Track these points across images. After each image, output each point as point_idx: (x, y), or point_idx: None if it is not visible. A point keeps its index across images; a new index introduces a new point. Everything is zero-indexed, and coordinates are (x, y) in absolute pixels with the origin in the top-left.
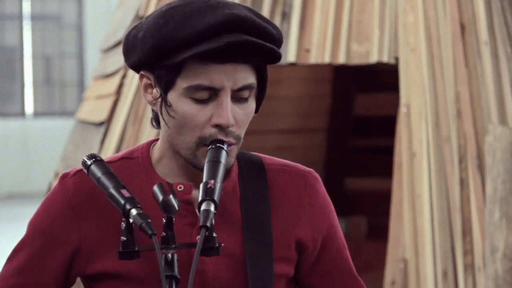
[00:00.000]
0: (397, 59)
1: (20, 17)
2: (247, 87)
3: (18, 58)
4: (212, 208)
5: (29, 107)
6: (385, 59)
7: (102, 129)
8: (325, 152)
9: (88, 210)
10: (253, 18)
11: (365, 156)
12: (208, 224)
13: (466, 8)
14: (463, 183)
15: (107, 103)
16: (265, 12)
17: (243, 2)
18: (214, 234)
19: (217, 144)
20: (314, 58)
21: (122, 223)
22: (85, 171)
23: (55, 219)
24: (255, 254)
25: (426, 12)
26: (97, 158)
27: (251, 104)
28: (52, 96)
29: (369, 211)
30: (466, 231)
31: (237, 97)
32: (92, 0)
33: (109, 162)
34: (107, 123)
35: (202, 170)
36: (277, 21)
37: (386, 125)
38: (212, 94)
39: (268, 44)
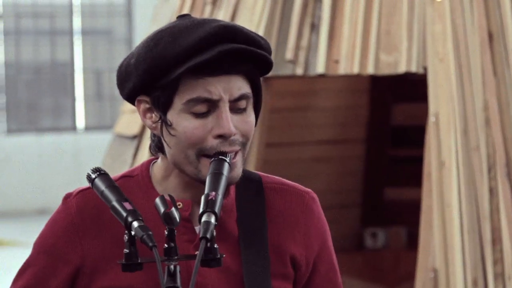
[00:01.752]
0: (425, 68)
1: (70, 32)
2: (243, 97)
3: (69, 73)
4: (213, 219)
5: (80, 121)
6: (413, 69)
7: (135, 143)
8: (363, 163)
9: (90, 228)
10: (241, 28)
11: (404, 166)
12: (208, 236)
13: (494, 17)
14: (492, 191)
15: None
16: (294, 23)
17: (273, 12)
18: (216, 246)
19: (220, 157)
20: (343, 69)
21: (125, 235)
22: (90, 184)
23: (58, 239)
24: (252, 270)
25: (454, 21)
26: (102, 172)
27: (251, 115)
28: (103, 110)
29: (409, 221)
30: (496, 240)
31: (235, 108)
32: (141, 14)
33: None
34: (139, 136)
35: None
36: (306, 33)
37: (424, 135)
38: (210, 106)
39: (259, 51)
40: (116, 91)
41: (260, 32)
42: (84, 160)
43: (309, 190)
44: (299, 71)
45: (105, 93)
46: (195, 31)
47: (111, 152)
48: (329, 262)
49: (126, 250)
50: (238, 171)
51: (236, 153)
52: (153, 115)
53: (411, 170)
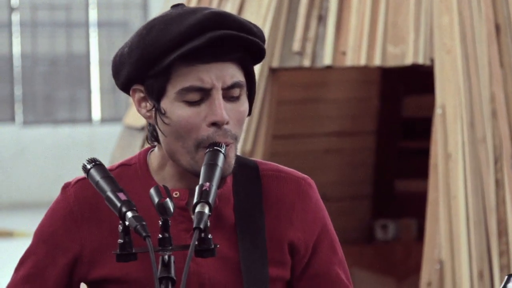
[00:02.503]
0: (432, 60)
1: (86, 24)
2: (236, 85)
3: (85, 65)
4: (207, 210)
5: (96, 113)
6: (420, 60)
7: (143, 134)
8: (374, 155)
9: (89, 217)
10: (233, 15)
11: (415, 158)
12: (201, 226)
13: (501, 9)
14: (498, 183)
15: None
16: (301, 15)
17: (280, 4)
18: (210, 236)
19: (215, 147)
20: (350, 60)
21: (119, 225)
22: (85, 175)
23: (57, 228)
24: (249, 257)
25: (461, 13)
26: (97, 163)
27: (244, 103)
28: (118, 103)
29: (419, 213)
30: (502, 232)
31: (228, 96)
32: (157, 6)
33: (109, 170)
34: (147, 128)
35: None
36: (313, 24)
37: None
38: (203, 95)
39: (250, 37)
40: None
41: (268, 24)
42: (100, 151)
43: (306, 176)
44: (306, 62)
45: None
46: (186, 19)
47: (120, 143)
48: (329, 245)
49: (120, 240)
50: (230, 163)
51: (228, 145)
52: (148, 103)
53: (421, 162)
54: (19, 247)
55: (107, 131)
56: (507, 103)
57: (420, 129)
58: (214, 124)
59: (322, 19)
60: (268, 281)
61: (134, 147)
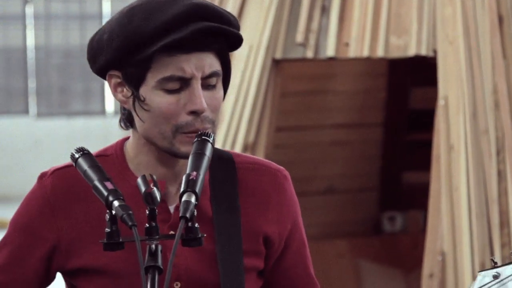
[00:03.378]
0: (435, 51)
1: (100, 16)
2: (214, 74)
3: None
4: (193, 199)
5: (110, 105)
6: (423, 51)
7: None
8: (381, 147)
9: (65, 207)
10: (213, 6)
11: (422, 149)
12: (188, 215)
13: (504, 0)
14: (500, 175)
15: None
16: (305, 6)
17: None
18: (196, 225)
19: (203, 137)
20: (353, 52)
21: (106, 214)
22: (73, 163)
23: (33, 217)
24: (225, 248)
25: (464, 4)
26: (85, 152)
27: (220, 91)
28: None
29: (427, 205)
30: (504, 223)
31: (206, 84)
32: None
33: None
34: None
35: (181, 158)
36: (316, 16)
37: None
38: (183, 83)
39: (231, 29)
40: None
41: (271, 15)
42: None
43: (281, 168)
44: (310, 54)
45: None
46: (168, 9)
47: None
48: (300, 239)
49: (107, 229)
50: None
51: (207, 130)
52: (124, 89)
53: (429, 154)
54: None
55: None
56: (510, 94)
57: (427, 121)
58: (193, 112)
59: (325, 10)
60: (243, 271)
61: None
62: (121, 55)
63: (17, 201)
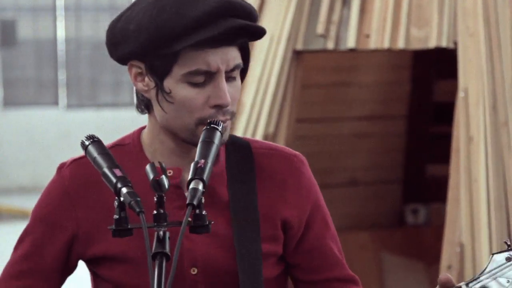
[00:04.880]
0: (455, 43)
1: None
2: (237, 67)
3: None
4: (200, 186)
5: None
6: (444, 43)
7: None
8: (404, 139)
9: (84, 196)
10: (241, 2)
11: (446, 142)
12: (195, 202)
13: None
14: None
15: None
16: None
17: None
18: (204, 212)
19: (212, 125)
20: (373, 43)
21: (115, 201)
22: (83, 151)
23: (53, 207)
24: (242, 233)
25: None
26: (95, 139)
27: (238, 82)
28: None
29: None
30: None
31: (228, 77)
32: None
33: None
34: None
35: None
36: (337, 7)
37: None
38: (208, 77)
39: (258, 26)
40: None
41: (292, 6)
42: None
43: (298, 153)
44: (330, 45)
45: None
46: (198, 4)
47: None
48: (322, 220)
49: (116, 216)
50: (225, 136)
51: (226, 121)
52: (146, 78)
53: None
54: None
55: None
56: None
57: (451, 113)
58: (217, 106)
59: (346, 1)
60: (260, 256)
61: None
62: (148, 47)
63: None
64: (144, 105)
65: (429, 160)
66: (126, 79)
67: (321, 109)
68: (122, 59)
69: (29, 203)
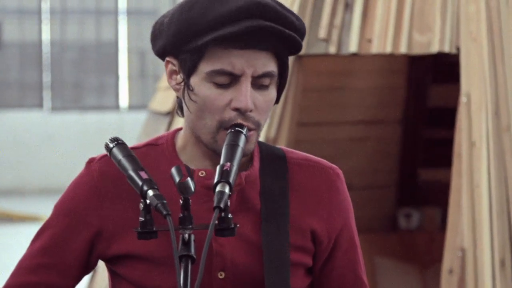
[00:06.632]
0: (458, 49)
1: (116, 12)
2: (267, 75)
3: (113, 52)
4: (227, 189)
5: (123, 100)
6: (446, 49)
7: (167, 119)
8: (399, 144)
9: (111, 193)
10: (275, 6)
11: (440, 147)
12: (221, 205)
13: None
14: None
15: (173, 94)
16: (328, 2)
17: None
18: (230, 215)
19: (236, 128)
20: (375, 48)
21: (141, 204)
22: (108, 153)
23: (79, 201)
24: (272, 241)
25: (487, 2)
26: (119, 142)
27: (272, 92)
28: (146, 90)
29: (443, 202)
30: None
31: (258, 84)
32: None
33: (135, 148)
34: (172, 113)
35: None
36: (339, 11)
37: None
38: (232, 79)
39: (287, 31)
40: (160, 70)
41: (294, 10)
42: (127, 138)
43: (335, 166)
44: (332, 49)
45: (149, 73)
46: (229, 2)
47: (146, 129)
48: (350, 240)
49: (141, 218)
50: (250, 146)
51: (251, 131)
52: (178, 77)
53: (446, 151)
54: None
55: (134, 118)
56: None
57: (445, 118)
58: (237, 109)
59: (348, 6)
60: (289, 265)
61: (159, 132)
62: (176, 40)
63: (30, 195)
64: (180, 108)
65: (423, 165)
66: (111, 83)
67: (316, 113)
68: (159, 54)
69: (13, 205)
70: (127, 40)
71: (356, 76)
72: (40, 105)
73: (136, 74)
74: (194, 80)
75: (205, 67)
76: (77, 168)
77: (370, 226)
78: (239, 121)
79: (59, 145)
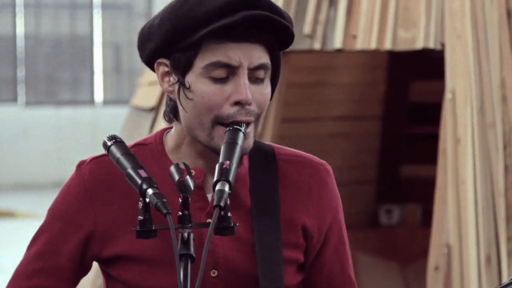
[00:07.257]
0: (443, 45)
1: (90, 6)
2: (262, 67)
3: (88, 46)
4: (227, 188)
5: (98, 95)
6: (431, 45)
7: (152, 115)
8: (380, 139)
9: (103, 195)
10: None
11: (421, 143)
12: (222, 204)
13: None
14: (507, 169)
15: (158, 89)
16: None
17: None
18: (229, 214)
19: (235, 126)
20: (360, 44)
21: (140, 202)
22: (106, 151)
23: (71, 205)
24: (264, 238)
25: None
26: (117, 140)
27: (267, 86)
28: (121, 85)
29: (424, 199)
30: (510, 217)
31: (253, 77)
32: None
33: None
34: (156, 109)
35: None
36: (324, 7)
37: (441, 112)
38: (230, 72)
39: (282, 21)
40: (135, 65)
41: (279, 5)
42: (102, 133)
43: (324, 162)
44: (317, 45)
45: (124, 67)
46: None
47: (128, 124)
48: (339, 235)
49: (140, 217)
50: (250, 142)
51: (249, 124)
52: (171, 78)
53: (427, 147)
54: (21, 227)
55: (109, 113)
56: None
57: (426, 114)
58: (238, 103)
59: (333, 2)
60: (282, 262)
61: (143, 128)
62: (170, 38)
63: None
64: (171, 111)
65: (404, 161)
66: (86, 77)
67: (296, 109)
68: (149, 59)
69: None
70: (102, 34)
71: (337, 72)
72: (14, 99)
73: (111, 68)
74: (189, 78)
75: (201, 62)
76: (52, 163)
77: (351, 222)
78: (238, 117)
79: (33, 140)
